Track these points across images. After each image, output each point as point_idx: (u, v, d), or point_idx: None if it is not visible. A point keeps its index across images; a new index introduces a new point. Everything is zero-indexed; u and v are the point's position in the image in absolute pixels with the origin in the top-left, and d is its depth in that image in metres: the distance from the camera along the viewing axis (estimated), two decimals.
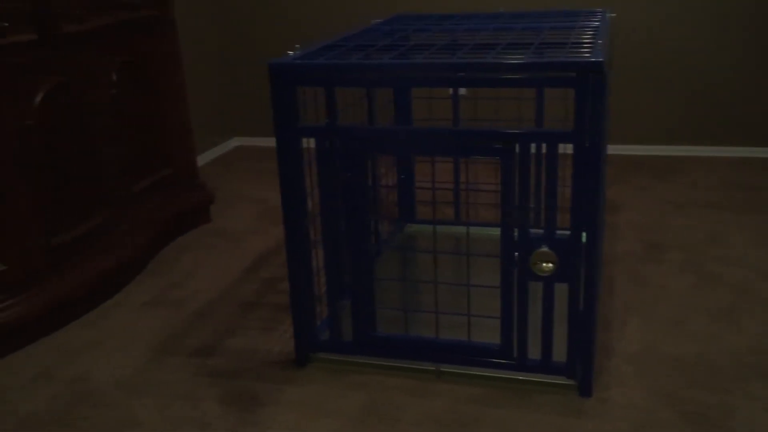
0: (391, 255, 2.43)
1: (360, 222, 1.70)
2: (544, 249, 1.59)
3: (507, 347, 1.70)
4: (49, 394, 1.78)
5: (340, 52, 1.75)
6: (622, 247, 2.48)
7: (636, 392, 1.69)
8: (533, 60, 1.51)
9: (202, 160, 3.69)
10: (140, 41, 2.49)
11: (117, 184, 2.38)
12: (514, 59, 1.53)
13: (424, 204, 2.79)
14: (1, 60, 1.89)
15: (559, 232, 1.59)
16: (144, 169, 2.57)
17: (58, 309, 2.08)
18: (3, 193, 1.93)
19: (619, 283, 2.22)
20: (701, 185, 3.05)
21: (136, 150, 2.51)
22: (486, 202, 2.84)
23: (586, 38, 1.80)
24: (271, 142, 1.91)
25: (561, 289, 1.63)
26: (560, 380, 1.70)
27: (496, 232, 1.66)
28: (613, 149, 3.53)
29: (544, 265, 1.59)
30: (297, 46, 1.83)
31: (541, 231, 1.59)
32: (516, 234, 1.61)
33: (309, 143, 1.70)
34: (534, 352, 1.69)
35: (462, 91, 3.30)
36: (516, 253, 1.62)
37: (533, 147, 1.58)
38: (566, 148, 1.57)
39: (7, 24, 1.89)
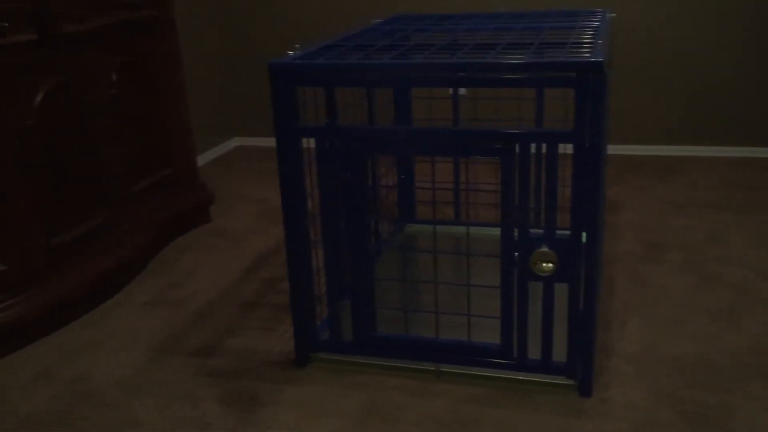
0: (391, 255, 2.43)
1: (360, 222, 1.70)
2: (544, 249, 1.59)
3: (507, 347, 1.70)
4: (49, 394, 1.78)
5: (340, 52, 1.75)
6: (622, 247, 2.48)
7: (636, 392, 1.69)
8: (533, 60, 1.51)
9: (203, 159, 3.69)
10: (140, 41, 2.49)
11: (117, 184, 2.38)
12: (514, 59, 1.53)
13: (424, 204, 2.79)
14: (1, 60, 1.89)
15: (559, 232, 1.59)
16: (144, 169, 2.57)
17: (58, 309, 2.08)
18: (3, 193, 1.93)
19: (620, 283, 2.22)
20: (701, 185, 3.05)
21: (136, 150, 2.51)
22: (486, 202, 2.85)
23: (586, 38, 1.80)
24: (271, 142, 1.91)
25: (561, 289, 1.63)
26: (560, 380, 1.70)
27: (496, 232, 1.66)
28: (613, 149, 3.53)
29: (544, 265, 1.59)
30: (297, 46, 1.83)
31: (541, 231, 1.59)
32: (516, 234, 1.61)
33: (309, 143, 1.70)
34: (534, 352, 1.69)
35: (462, 91, 3.30)
36: (516, 253, 1.62)
37: (533, 147, 1.58)
38: (566, 148, 1.58)
39: (7, 24, 1.89)
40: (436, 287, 1.79)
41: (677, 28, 3.31)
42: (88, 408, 1.72)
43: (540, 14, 2.33)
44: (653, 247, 2.47)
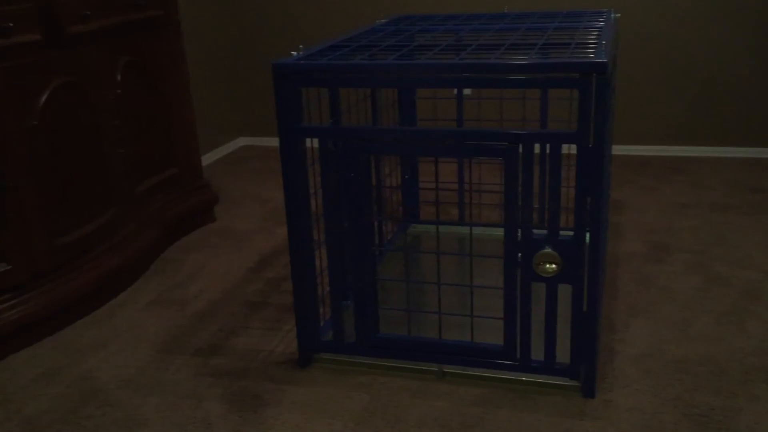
0: (394, 255, 2.43)
1: (364, 222, 1.70)
2: (548, 250, 1.58)
3: (510, 348, 1.69)
4: (53, 393, 1.79)
5: (344, 53, 1.75)
6: (626, 248, 2.47)
7: (640, 394, 1.68)
8: (537, 61, 1.51)
9: (208, 159, 3.70)
10: (145, 41, 2.50)
11: (122, 184, 2.38)
12: (518, 60, 1.53)
13: (428, 204, 2.79)
14: (6, 60, 1.90)
15: (562, 232, 1.58)
16: (149, 169, 2.58)
17: (63, 308, 2.09)
18: (8, 193, 1.93)
19: (624, 284, 2.22)
20: (707, 186, 3.04)
21: (141, 150, 2.52)
22: (490, 202, 2.84)
23: (591, 39, 1.79)
24: (276, 141, 1.91)
25: (565, 290, 1.62)
26: (563, 381, 1.70)
27: (500, 232, 1.66)
28: (618, 149, 3.52)
29: (548, 266, 1.59)
30: (300, 46, 1.83)
31: (544, 232, 1.59)
32: (519, 235, 1.61)
33: (313, 143, 1.70)
34: (537, 354, 1.69)
35: (466, 91, 3.30)
36: (519, 254, 1.61)
37: (537, 147, 1.58)
38: (570, 149, 1.57)
39: (12, 24, 1.89)
40: (439, 288, 1.78)
41: (682, 28, 3.30)
42: (93, 407, 1.72)
43: (544, 15, 2.32)
44: (658, 248, 2.46)
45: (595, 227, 1.56)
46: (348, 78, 1.63)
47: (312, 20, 3.71)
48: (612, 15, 2.26)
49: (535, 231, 1.59)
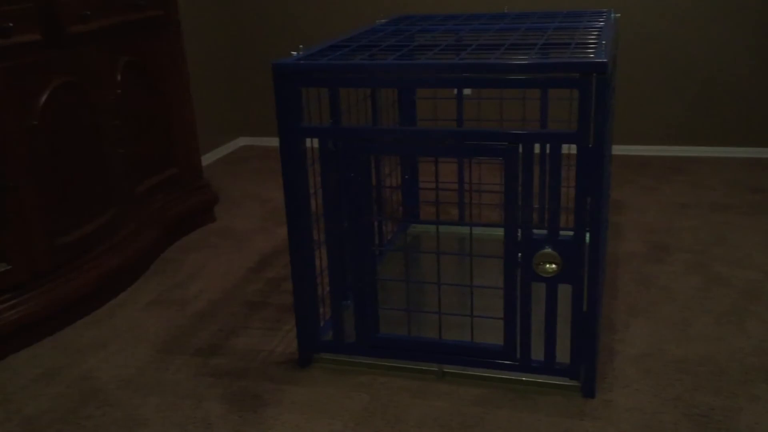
0: (394, 255, 2.43)
1: (364, 222, 1.70)
2: (548, 250, 1.58)
3: (510, 348, 1.69)
4: (53, 393, 1.79)
5: (344, 53, 1.75)
6: (626, 248, 2.47)
7: (640, 394, 1.68)
8: (537, 61, 1.51)
9: (209, 159, 3.70)
10: (145, 41, 2.50)
11: (122, 184, 2.38)
12: (518, 60, 1.53)
13: (428, 204, 2.79)
14: (6, 60, 1.90)
15: (562, 232, 1.58)
16: (149, 169, 2.58)
17: (64, 308, 2.09)
18: (8, 193, 1.94)
19: (624, 284, 2.22)
20: (707, 186, 3.04)
21: (141, 150, 2.52)
22: (490, 202, 2.84)
23: (591, 39, 1.79)
24: (276, 141, 1.91)
25: (565, 290, 1.62)
26: (563, 381, 1.70)
27: (500, 232, 1.66)
28: (618, 149, 3.52)
29: (548, 266, 1.59)
30: (300, 46, 1.83)
31: (544, 232, 1.59)
32: (519, 235, 1.60)
33: (313, 143, 1.70)
34: (537, 354, 1.69)
35: (466, 91, 3.30)
36: (519, 254, 1.61)
37: (537, 147, 1.58)
38: (571, 149, 1.57)
39: (12, 24, 1.89)
40: (439, 288, 1.78)
41: (682, 28, 3.30)
42: (93, 407, 1.72)
43: (544, 15, 2.32)
44: (658, 248, 2.46)
45: (595, 227, 1.56)
46: (348, 78, 1.63)
47: (312, 20, 3.71)
48: (612, 15, 2.26)
49: (535, 231, 1.59)
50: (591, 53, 1.59)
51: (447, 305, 1.92)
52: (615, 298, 2.13)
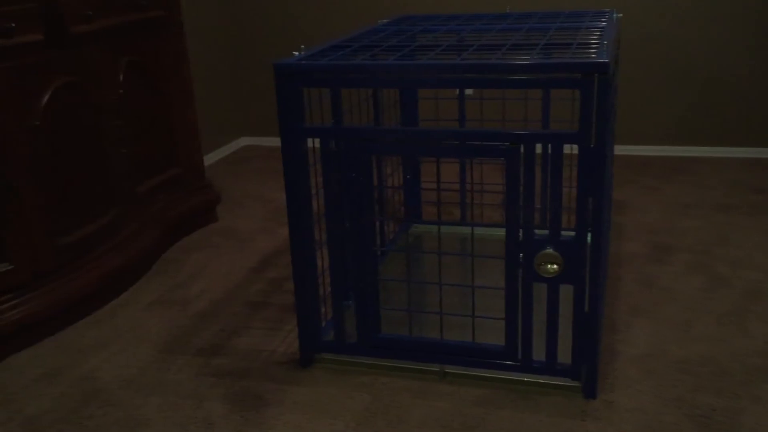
0: (396, 255, 2.43)
1: (365, 223, 1.70)
2: (549, 250, 1.58)
3: (512, 349, 1.69)
4: (55, 393, 1.79)
5: (346, 53, 1.75)
6: (629, 249, 2.47)
7: (642, 394, 1.68)
8: (538, 61, 1.51)
9: (211, 159, 3.70)
10: (147, 42, 2.50)
11: (124, 184, 2.39)
12: (520, 60, 1.53)
13: (430, 204, 2.79)
14: (8, 60, 1.90)
15: (564, 233, 1.58)
16: (151, 169, 2.58)
17: (65, 308, 2.09)
18: (10, 193, 1.94)
19: (626, 284, 2.21)
20: (709, 186, 3.03)
21: (143, 150, 2.52)
22: (492, 203, 2.84)
23: (593, 39, 1.79)
24: (278, 141, 1.91)
25: (566, 291, 1.62)
26: (565, 382, 1.69)
27: (502, 232, 1.66)
28: (620, 149, 3.52)
29: (549, 266, 1.59)
30: (302, 46, 1.83)
31: (546, 232, 1.58)
32: (521, 235, 1.60)
33: (314, 143, 1.70)
34: (539, 354, 1.69)
35: (468, 91, 3.29)
36: (521, 255, 1.61)
37: (539, 148, 1.57)
38: (573, 149, 1.57)
39: (14, 24, 1.90)
40: (440, 288, 1.78)
41: (685, 28, 3.29)
42: (94, 407, 1.72)
43: (546, 15, 2.32)
44: (660, 249, 2.45)
45: (597, 227, 1.56)
46: (349, 78, 1.63)
47: (313, 21, 3.71)
48: (614, 15, 2.25)
49: (537, 231, 1.59)
50: (593, 53, 1.59)
51: (448, 305, 1.92)
52: (617, 298, 2.13)
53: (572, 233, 1.57)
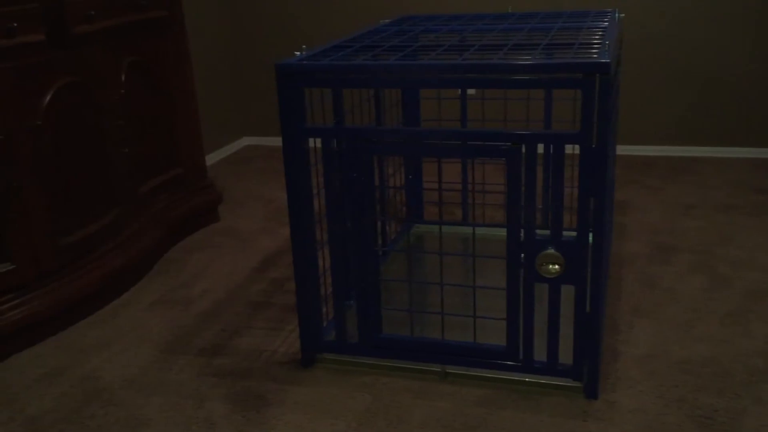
0: (397, 256, 2.42)
1: (367, 223, 1.70)
2: (551, 251, 1.58)
3: (513, 349, 1.69)
4: (57, 393, 1.79)
5: (347, 53, 1.75)
6: (631, 249, 2.46)
7: (643, 395, 1.68)
8: (540, 61, 1.50)
9: (212, 159, 3.70)
10: (149, 42, 2.50)
11: (126, 184, 2.39)
12: (522, 60, 1.52)
13: (431, 204, 2.79)
14: (10, 60, 1.90)
15: (565, 233, 1.58)
16: (153, 169, 2.59)
17: (67, 308, 2.09)
18: (12, 193, 1.94)
19: (628, 284, 2.21)
20: (712, 186, 3.03)
21: (145, 150, 2.53)
22: (494, 203, 2.84)
23: (595, 39, 1.79)
24: (280, 141, 1.91)
25: (568, 291, 1.62)
26: (566, 382, 1.69)
27: (504, 233, 1.66)
28: (622, 149, 3.52)
29: (551, 266, 1.58)
30: (304, 46, 1.83)
31: (547, 232, 1.58)
32: (522, 235, 1.60)
33: (316, 143, 1.70)
34: (540, 354, 1.68)
35: (470, 91, 3.29)
36: (522, 255, 1.61)
37: (541, 148, 1.57)
38: (575, 149, 1.57)
39: (16, 24, 1.90)
40: (442, 288, 1.78)
41: (687, 27, 3.29)
42: (96, 407, 1.73)
43: (548, 15, 2.32)
44: (663, 249, 2.45)
45: (598, 228, 1.56)
46: (351, 78, 1.63)
47: (315, 21, 3.71)
48: (617, 15, 2.25)
49: (539, 232, 1.59)
50: (594, 53, 1.59)
51: (450, 306, 1.92)
52: (619, 298, 2.13)
53: (574, 233, 1.57)
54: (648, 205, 2.86)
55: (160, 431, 1.63)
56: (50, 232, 2.05)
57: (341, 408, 1.68)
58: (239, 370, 1.85)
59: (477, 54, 1.69)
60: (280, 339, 2.00)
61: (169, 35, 2.59)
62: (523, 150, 1.55)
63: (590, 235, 1.56)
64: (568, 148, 1.56)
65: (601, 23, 2.06)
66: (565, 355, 1.67)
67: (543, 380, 1.71)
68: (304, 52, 1.75)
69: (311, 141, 1.70)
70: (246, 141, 4.03)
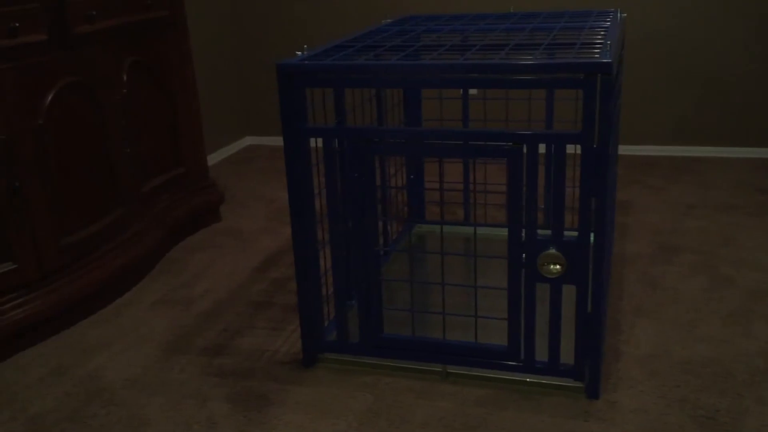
0: (399, 255, 2.42)
1: (368, 223, 1.70)
2: (552, 251, 1.58)
3: (514, 349, 1.69)
4: (59, 392, 1.79)
5: (349, 53, 1.75)
6: (633, 249, 2.46)
7: (645, 395, 1.67)
8: (541, 61, 1.50)
9: (215, 158, 3.71)
10: (152, 41, 2.51)
11: (128, 184, 2.39)
12: (523, 60, 1.52)
13: (433, 204, 2.79)
14: (12, 60, 1.91)
15: (567, 233, 1.58)
16: (155, 169, 2.59)
17: (69, 308, 2.09)
18: (15, 193, 1.94)
19: (630, 284, 2.21)
20: (714, 186, 3.02)
21: (147, 149, 2.53)
22: (496, 203, 2.84)
23: (597, 39, 1.79)
24: (282, 141, 1.91)
25: (570, 291, 1.62)
26: (568, 382, 1.69)
27: (506, 233, 1.66)
28: (625, 149, 3.51)
29: (552, 266, 1.58)
30: (305, 46, 1.83)
31: (549, 232, 1.58)
32: (524, 235, 1.60)
33: (317, 143, 1.71)
34: (541, 354, 1.68)
35: (472, 91, 3.29)
36: (524, 255, 1.61)
37: (543, 148, 1.57)
38: (576, 149, 1.57)
39: (18, 24, 1.90)
40: (443, 288, 1.78)
41: (689, 27, 3.28)
42: (98, 406, 1.73)
43: (551, 14, 2.32)
44: (665, 249, 2.45)
45: (600, 228, 1.55)
46: (353, 78, 1.63)
47: (317, 21, 3.71)
48: (619, 15, 2.25)
49: (540, 232, 1.59)
50: (596, 53, 1.59)
51: (451, 306, 1.92)
52: (620, 298, 2.13)
53: (575, 234, 1.57)
54: (650, 205, 2.86)
55: (162, 431, 1.63)
56: (52, 231, 2.05)
57: (343, 408, 1.68)
58: (241, 370, 1.85)
59: (479, 54, 1.69)
60: (282, 339, 2.00)
61: (170, 35, 2.59)
62: (525, 150, 1.54)
63: (592, 235, 1.56)
64: (570, 148, 1.56)
65: (603, 23, 2.06)
66: (567, 355, 1.67)
67: (544, 380, 1.71)
68: (305, 52, 1.75)
69: (313, 141, 1.70)
70: (248, 141, 4.03)
